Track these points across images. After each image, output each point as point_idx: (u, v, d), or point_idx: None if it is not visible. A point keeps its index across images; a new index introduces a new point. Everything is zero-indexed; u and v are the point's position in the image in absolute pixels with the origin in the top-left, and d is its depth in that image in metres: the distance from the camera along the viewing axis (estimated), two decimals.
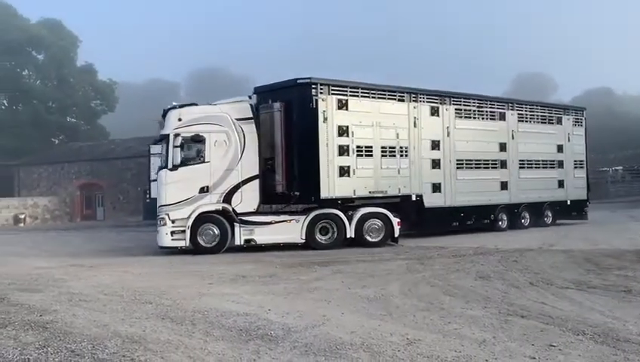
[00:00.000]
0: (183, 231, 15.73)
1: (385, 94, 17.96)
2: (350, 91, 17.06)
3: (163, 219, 15.83)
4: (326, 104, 16.47)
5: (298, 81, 16.65)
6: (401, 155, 17.99)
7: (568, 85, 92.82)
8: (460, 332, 6.60)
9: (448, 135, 19.35)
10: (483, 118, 20.64)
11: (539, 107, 22.98)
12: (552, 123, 22.96)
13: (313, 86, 16.40)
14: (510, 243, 16.24)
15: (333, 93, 16.66)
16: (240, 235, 16.06)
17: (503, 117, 21.18)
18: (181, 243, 15.80)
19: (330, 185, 16.45)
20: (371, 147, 17.32)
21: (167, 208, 15.87)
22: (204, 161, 16.08)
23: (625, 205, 35.41)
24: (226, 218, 16.06)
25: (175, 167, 15.85)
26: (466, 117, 19.98)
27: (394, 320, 7.29)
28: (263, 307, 8.07)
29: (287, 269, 12.36)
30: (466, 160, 19.90)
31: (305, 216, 16.47)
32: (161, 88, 64.71)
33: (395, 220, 17.02)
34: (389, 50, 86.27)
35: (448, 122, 19.38)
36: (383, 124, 17.60)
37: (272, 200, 16.98)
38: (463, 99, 20.09)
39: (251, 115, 16.57)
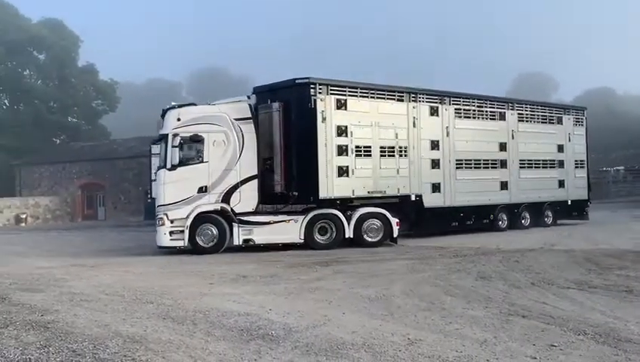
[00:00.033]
0: (182, 231, 15.74)
1: (384, 94, 17.95)
2: (349, 91, 17.06)
3: (161, 219, 15.84)
4: (324, 104, 16.47)
5: (296, 81, 16.66)
6: (401, 155, 17.98)
7: (569, 85, 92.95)
8: (462, 332, 6.60)
9: (448, 135, 19.34)
10: (483, 118, 20.63)
11: (539, 107, 22.96)
12: (553, 123, 22.95)
13: (312, 86, 16.39)
14: (511, 244, 16.23)
15: (331, 93, 16.66)
16: (238, 235, 16.06)
17: (503, 117, 21.17)
18: (180, 243, 15.80)
19: (329, 185, 16.45)
20: (370, 147, 17.31)
21: (165, 208, 15.88)
22: (202, 161, 16.09)
23: (626, 205, 35.38)
24: (224, 218, 16.06)
25: (174, 167, 15.85)
26: (465, 117, 19.97)
27: (395, 320, 7.29)
28: (264, 307, 8.07)
29: (289, 269, 12.36)
30: (466, 160, 19.89)
31: (303, 216, 16.47)
32: (163, 88, 64.77)
33: (394, 220, 17.01)
34: (389, 50, 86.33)
35: (448, 122, 19.37)
36: (382, 123, 17.59)
37: (270, 200, 16.99)
38: (462, 99, 20.08)
39: (250, 115, 16.58)
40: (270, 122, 16.64)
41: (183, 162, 15.96)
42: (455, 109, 19.68)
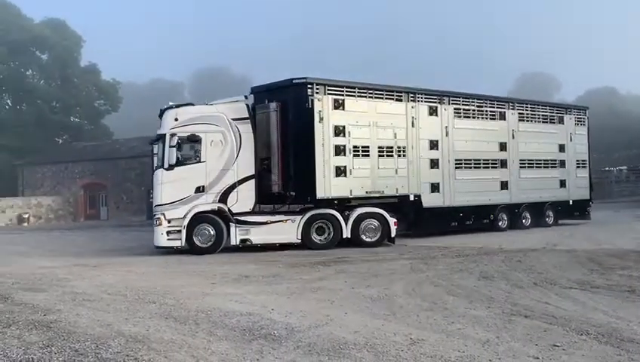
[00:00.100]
0: (179, 231, 15.74)
1: (382, 94, 17.95)
2: (346, 91, 17.05)
3: (159, 218, 15.85)
4: (322, 104, 16.47)
5: (294, 81, 16.67)
6: (399, 155, 17.97)
7: (572, 85, 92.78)
8: (464, 332, 6.60)
9: (447, 135, 19.33)
10: (483, 118, 20.60)
11: (540, 106, 22.93)
12: (554, 122, 22.91)
13: (309, 86, 16.40)
14: (513, 243, 16.22)
15: (329, 93, 16.66)
16: (236, 235, 16.06)
17: (503, 116, 21.14)
18: (177, 243, 15.81)
19: (327, 185, 16.44)
20: (368, 147, 17.31)
21: (162, 208, 15.89)
22: (200, 161, 16.10)
23: (629, 205, 35.31)
24: (221, 218, 16.06)
25: (171, 167, 15.87)
26: (465, 116, 19.96)
27: (397, 320, 7.29)
28: (267, 307, 8.07)
29: (291, 269, 12.36)
30: (465, 160, 19.88)
31: (301, 216, 16.48)
32: (165, 88, 64.80)
33: (392, 220, 16.99)
34: (390, 51, 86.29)
35: (447, 122, 19.36)
36: (380, 123, 17.58)
37: (268, 200, 17.05)
38: (462, 99, 20.07)
39: (247, 115, 16.60)
40: (268, 122, 16.66)
41: (180, 162, 15.97)
42: (454, 109, 19.67)
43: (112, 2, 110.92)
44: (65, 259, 15.44)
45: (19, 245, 21.56)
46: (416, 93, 18.76)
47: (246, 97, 17.25)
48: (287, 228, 16.33)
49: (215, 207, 16.08)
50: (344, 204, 17.01)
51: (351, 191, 16.95)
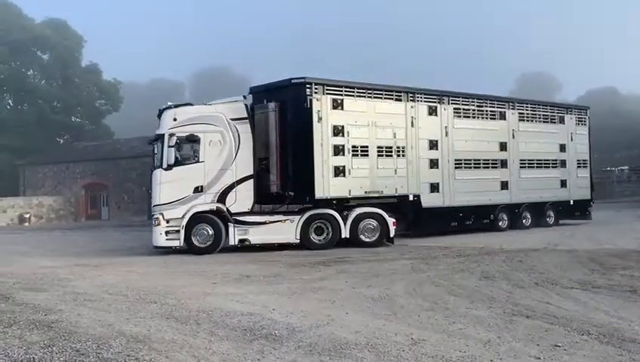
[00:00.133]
0: (178, 231, 15.76)
1: (381, 94, 17.94)
2: (345, 91, 17.05)
3: (157, 218, 15.88)
4: (320, 104, 16.46)
5: (292, 81, 16.68)
6: (398, 155, 17.95)
7: (573, 85, 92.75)
8: (465, 332, 6.59)
9: (447, 134, 19.32)
10: (483, 118, 20.57)
11: (540, 106, 22.89)
12: (555, 122, 22.88)
13: (307, 86, 16.40)
14: (515, 244, 16.21)
15: (327, 93, 16.66)
16: (234, 235, 16.08)
17: (503, 116, 21.11)
18: (175, 243, 15.83)
19: (325, 185, 16.43)
20: (367, 147, 17.29)
21: (161, 208, 15.92)
22: (198, 161, 16.12)
23: (630, 205, 35.28)
24: (220, 218, 16.08)
25: (170, 167, 15.91)
26: (465, 116, 19.95)
27: (398, 320, 7.29)
28: (268, 307, 8.07)
29: (291, 269, 12.36)
30: (465, 159, 19.85)
31: (299, 216, 16.48)
32: (166, 88, 64.81)
33: (391, 220, 16.98)
34: (391, 51, 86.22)
35: (447, 122, 19.35)
36: (380, 123, 17.57)
37: (266, 200, 17.05)
38: (461, 99, 20.05)
39: (246, 115, 16.62)
40: (266, 122, 16.66)
41: (178, 162, 16.01)
42: (454, 109, 19.66)
43: (113, 2, 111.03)
44: (66, 258, 15.46)
45: (20, 245, 21.58)
46: (415, 93, 18.75)
47: (244, 97, 17.26)
48: (285, 228, 16.33)
49: (214, 207, 16.09)
50: (343, 204, 17.00)
51: (350, 191, 16.95)
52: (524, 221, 21.63)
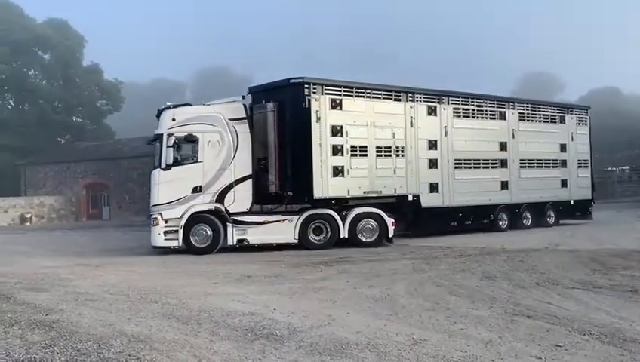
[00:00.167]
0: (176, 231, 15.77)
1: (380, 94, 17.92)
2: (344, 91, 17.04)
3: (156, 218, 15.90)
4: (319, 104, 16.45)
5: (291, 81, 16.67)
6: (397, 155, 17.94)
7: (574, 85, 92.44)
8: (466, 332, 6.59)
9: (446, 134, 19.30)
10: (482, 117, 20.54)
11: (541, 106, 22.84)
12: (555, 122, 22.83)
13: (306, 86, 16.39)
14: (516, 244, 16.20)
15: (326, 93, 16.65)
16: (232, 235, 16.08)
17: (503, 116, 21.07)
18: (174, 243, 15.84)
19: (324, 185, 16.42)
20: (366, 147, 17.28)
21: (159, 208, 15.94)
22: (197, 161, 16.14)
23: (632, 205, 35.24)
24: (218, 218, 16.08)
25: (168, 167, 15.94)
26: (464, 116, 19.92)
27: (400, 320, 7.28)
28: (269, 306, 8.07)
29: (293, 269, 12.36)
30: (465, 159, 19.82)
31: (298, 216, 16.49)
32: (167, 88, 64.79)
33: (390, 220, 16.97)
34: (391, 51, 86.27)
35: (446, 121, 19.33)
36: (378, 123, 17.55)
37: (265, 200, 17.07)
38: (461, 99, 20.02)
39: (244, 115, 16.63)
40: (265, 122, 16.67)
41: (177, 162, 16.03)
42: (454, 109, 19.63)
43: (114, 2, 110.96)
44: (67, 258, 15.47)
45: (21, 245, 21.59)
46: (414, 92, 18.74)
47: (243, 97, 17.28)
48: (284, 228, 16.34)
49: (212, 207, 16.10)
50: (342, 204, 16.99)
51: (348, 191, 16.93)
52: (524, 221, 21.59)
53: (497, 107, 21.07)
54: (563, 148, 22.94)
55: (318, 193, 16.33)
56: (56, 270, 12.61)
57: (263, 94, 17.26)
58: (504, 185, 20.87)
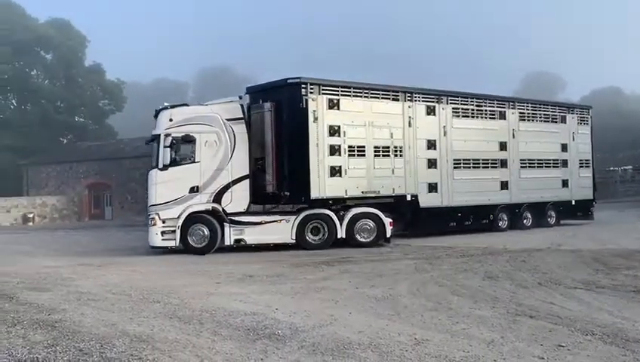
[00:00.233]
0: (174, 231, 15.80)
1: (378, 94, 17.93)
2: (342, 91, 17.04)
3: (153, 219, 15.93)
4: (316, 104, 16.46)
5: (288, 81, 16.68)
6: (396, 155, 17.93)
7: (577, 84, 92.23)
8: (468, 332, 6.59)
9: (445, 134, 19.27)
10: (482, 117, 20.50)
11: (541, 106, 22.80)
12: (556, 122, 22.78)
13: (303, 86, 16.40)
14: (518, 244, 16.19)
15: (323, 93, 16.65)
16: (230, 235, 16.10)
17: (503, 115, 21.03)
18: (171, 243, 15.87)
19: (321, 185, 16.43)
20: (364, 147, 17.28)
21: (157, 208, 15.96)
22: (194, 161, 16.17)
23: (634, 205, 35.13)
24: (215, 218, 16.09)
25: (165, 167, 15.96)
26: (463, 116, 19.90)
27: (402, 320, 7.28)
28: (271, 306, 8.07)
29: (295, 269, 12.37)
30: (464, 159, 19.80)
31: (295, 217, 16.50)
32: (169, 88, 64.95)
33: (387, 220, 16.97)
34: (392, 51, 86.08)
35: (445, 121, 19.31)
36: (376, 123, 17.55)
37: (262, 200, 17.09)
38: (460, 98, 19.99)
39: (241, 115, 16.66)
40: (262, 122, 16.69)
41: (174, 162, 16.04)
42: (453, 108, 19.62)
43: (117, 2, 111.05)
44: (69, 258, 15.48)
45: (23, 245, 21.61)
46: (413, 92, 18.73)
47: (240, 97, 17.29)
48: (281, 228, 16.35)
49: (209, 207, 16.12)
50: (339, 204, 16.98)
51: (346, 191, 16.93)
52: (524, 221, 21.55)
53: (497, 107, 21.04)
54: (564, 147, 22.89)
55: (315, 193, 16.33)
56: (59, 270, 12.62)
57: (260, 94, 17.28)
58: (504, 185, 20.84)
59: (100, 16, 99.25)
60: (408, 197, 18.20)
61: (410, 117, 18.37)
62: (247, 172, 16.45)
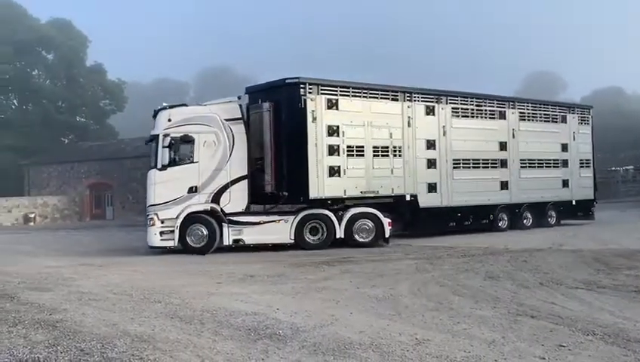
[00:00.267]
0: (172, 231, 15.82)
1: (377, 94, 17.93)
2: (340, 91, 17.04)
3: (152, 219, 15.97)
4: (315, 104, 16.47)
5: (287, 81, 16.70)
6: (395, 155, 17.93)
7: (578, 84, 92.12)
8: (469, 333, 6.58)
9: (444, 134, 19.26)
10: (482, 117, 20.49)
11: (542, 105, 22.78)
12: (556, 121, 22.76)
13: (302, 86, 16.41)
14: (519, 244, 16.18)
15: (322, 93, 16.66)
16: (228, 235, 16.11)
17: (503, 115, 21.02)
18: (170, 243, 15.89)
19: (320, 185, 16.43)
20: (363, 147, 17.29)
21: (155, 208, 16.00)
22: (193, 161, 16.19)
23: (635, 205, 35.09)
24: (214, 218, 16.11)
25: (164, 167, 16.00)
26: (463, 116, 19.90)
27: (403, 320, 7.28)
28: (272, 306, 8.07)
29: (296, 269, 12.37)
30: (464, 159, 19.79)
31: (294, 217, 16.52)
32: (170, 88, 64.91)
33: (386, 220, 16.97)
34: (393, 51, 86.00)
35: (444, 121, 19.31)
36: (375, 123, 17.55)
37: (261, 201, 17.11)
38: (460, 98, 19.98)
39: (240, 116, 16.68)
40: (261, 122, 16.70)
41: (173, 162, 16.06)
42: (452, 108, 19.62)
43: (118, 2, 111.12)
44: (71, 258, 15.48)
45: (25, 245, 21.63)
46: (412, 92, 18.73)
47: (239, 98, 17.30)
48: (280, 228, 16.36)
49: (208, 207, 16.14)
50: (339, 205, 16.98)
51: (345, 191, 16.93)
52: (524, 221, 21.53)
53: (497, 107, 21.03)
54: (564, 147, 22.86)
55: (313, 193, 16.33)
56: (60, 270, 12.62)
57: (259, 94, 17.30)
58: (504, 185, 20.82)
59: (101, 16, 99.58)
60: (407, 198, 18.20)
61: (409, 117, 18.36)
62: (245, 172, 16.46)
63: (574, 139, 23.17)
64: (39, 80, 54.96)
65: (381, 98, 17.96)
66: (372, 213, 16.97)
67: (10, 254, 17.43)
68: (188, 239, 15.91)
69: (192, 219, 15.98)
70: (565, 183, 22.81)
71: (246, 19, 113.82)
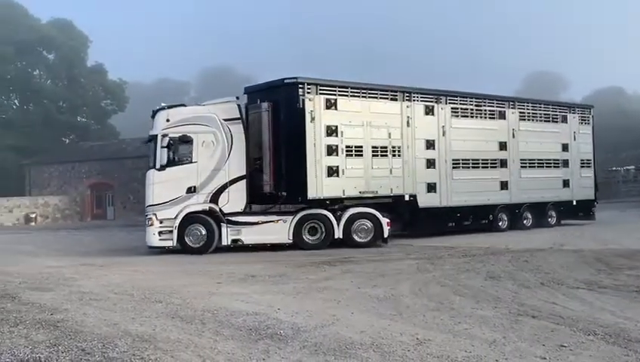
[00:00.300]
0: (171, 231, 15.84)
1: (376, 94, 17.92)
2: (339, 91, 17.04)
3: (150, 219, 16.02)
4: (313, 104, 16.46)
5: (285, 81, 16.71)
6: (394, 155, 17.91)
7: (579, 84, 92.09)
8: (471, 333, 6.58)
9: (444, 134, 19.24)
10: (481, 117, 20.46)
11: (542, 105, 22.72)
12: (557, 121, 22.72)
13: (300, 86, 16.41)
14: (520, 244, 16.18)
15: (321, 93, 16.66)
16: (227, 235, 16.12)
17: (503, 115, 20.98)
18: (169, 244, 15.91)
19: (318, 185, 16.42)
20: (362, 147, 17.27)
21: (154, 208, 16.04)
22: (191, 162, 16.20)
23: (636, 205, 35.05)
24: (213, 218, 16.12)
25: (162, 167, 16.03)
26: (463, 116, 19.87)
27: (404, 320, 7.28)
28: (273, 306, 8.07)
29: (297, 269, 12.37)
30: (463, 159, 19.75)
31: (292, 217, 16.51)
32: (171, 88, 64.87)
33: (385, 220, 16.95)
34: (393, 51, 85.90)
35: (444, 121, 19.28)
36: (374, 123, 17.53)
37: (259, 201, 17.10)
38: (459, 98, 19.95)
39: (238, 116, 16.67)
40: (259, 122, 16.71)
41: (171, 162, 16.07)
42: (452, 108, 19.59)
43: (118, 2, 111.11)
44: (72, 258, 15.50)
45: (26, 244, 21.64)
46: (411, 92, 18.71)
47: (237, 98, 17.30)
48: (278, 229, 16.37)
49: (206, 207, 16.15)
50: (337, 204, 16.98)
51: (343, 191, 16.92)
52: (524, 221, 21.49)
53: (497, 106, 21.00)
54: (565, 147, 22.82)
55: (312, 193, 16.33)
56: (61, 269, 12.63)
57: (258, 94, 17.31)
58: (504, 185, 20.79)
59: (102, 16, 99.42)
60: (406, 198, 18.19)
61: (408, 117, 18.35)
62: (244, 172, 16.47)
63: (575, 139, 23.13)
64: (40, 80, 54.98)
65: (380, 98, 17.94)
66: (371, 213, 16.97)
67: (11, 254, 17.45)
68: (186, 239, 15.92)
69: (190, 219, 15.99)
70: (566, 183, 22.77)
71: (246, 19, 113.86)
